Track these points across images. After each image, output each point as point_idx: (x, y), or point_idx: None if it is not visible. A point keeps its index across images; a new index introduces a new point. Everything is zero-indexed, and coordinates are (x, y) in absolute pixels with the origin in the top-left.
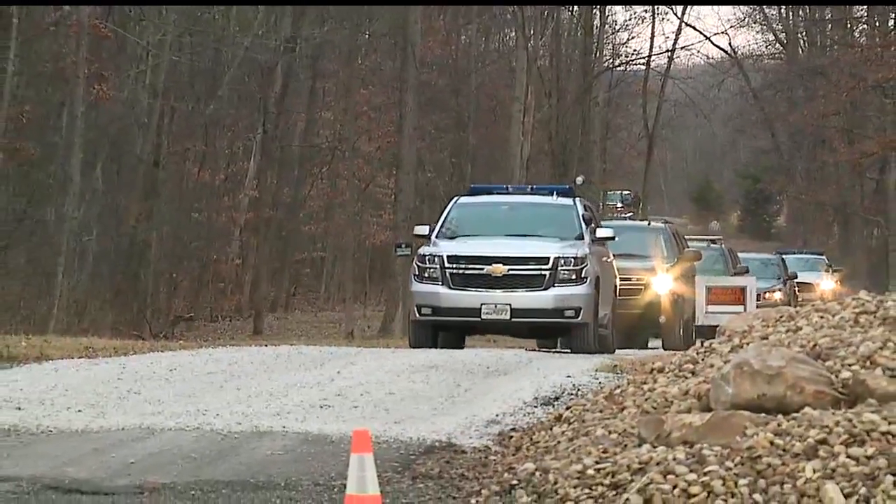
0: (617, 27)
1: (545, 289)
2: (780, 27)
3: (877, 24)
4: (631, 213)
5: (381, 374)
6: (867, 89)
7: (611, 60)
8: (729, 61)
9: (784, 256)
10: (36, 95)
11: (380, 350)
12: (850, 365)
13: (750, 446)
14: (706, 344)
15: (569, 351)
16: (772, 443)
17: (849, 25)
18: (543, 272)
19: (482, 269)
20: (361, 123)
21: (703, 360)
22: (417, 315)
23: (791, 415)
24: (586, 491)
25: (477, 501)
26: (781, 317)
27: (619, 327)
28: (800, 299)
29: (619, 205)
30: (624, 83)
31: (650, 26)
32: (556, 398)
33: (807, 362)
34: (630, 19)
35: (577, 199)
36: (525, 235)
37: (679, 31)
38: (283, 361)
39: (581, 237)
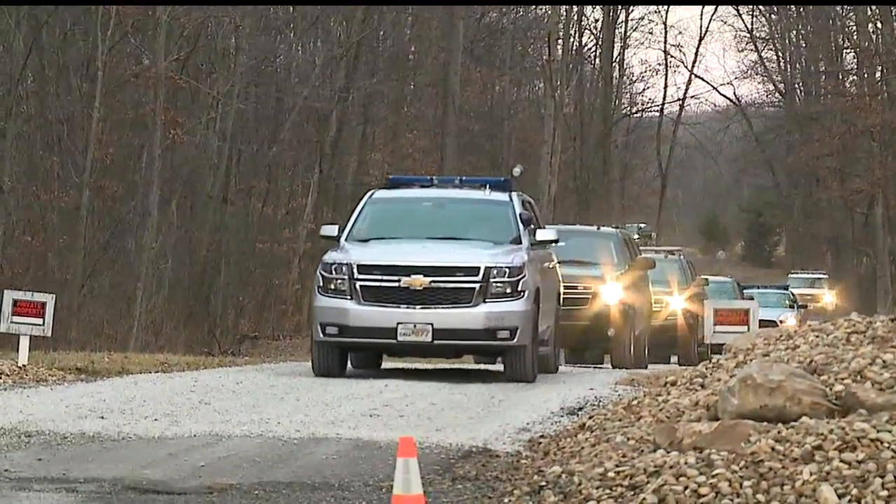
0: (634, 78)
1: (474, 305)
2: (780, 78)
3: (865, 75)
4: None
5: (423, 387)
6: (857, 134)
7: (628, 108)
8: (733, 109)
9: (745, 290)
10: (119, 139)
11: (422, 365)
12: (842, 379)
13: (753, 451)
14: (714, 360)
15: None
16: (773, 448)
17: (840, 77)
18: (472, 285)
19: (399, 280)
20: (407, 164)
21: (711, 374)
22: (321, 335)
23: (790, 423)
24: (607, 491)
25: (509, 501)
26: (781, 336)
27: (564, 342)
28: None
29: (636, 236)
30: (640, 128)
31: (663, 77)
32: (580, 408)
33: (804, 376)
34: (645, 71)
35: (514, 194)
36: (451, 239)
37: (689, 82)
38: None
39: (518, 240)
